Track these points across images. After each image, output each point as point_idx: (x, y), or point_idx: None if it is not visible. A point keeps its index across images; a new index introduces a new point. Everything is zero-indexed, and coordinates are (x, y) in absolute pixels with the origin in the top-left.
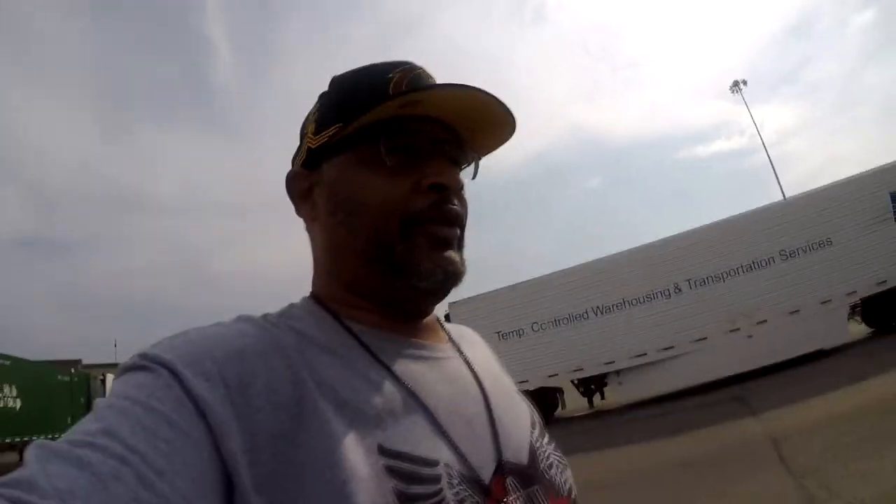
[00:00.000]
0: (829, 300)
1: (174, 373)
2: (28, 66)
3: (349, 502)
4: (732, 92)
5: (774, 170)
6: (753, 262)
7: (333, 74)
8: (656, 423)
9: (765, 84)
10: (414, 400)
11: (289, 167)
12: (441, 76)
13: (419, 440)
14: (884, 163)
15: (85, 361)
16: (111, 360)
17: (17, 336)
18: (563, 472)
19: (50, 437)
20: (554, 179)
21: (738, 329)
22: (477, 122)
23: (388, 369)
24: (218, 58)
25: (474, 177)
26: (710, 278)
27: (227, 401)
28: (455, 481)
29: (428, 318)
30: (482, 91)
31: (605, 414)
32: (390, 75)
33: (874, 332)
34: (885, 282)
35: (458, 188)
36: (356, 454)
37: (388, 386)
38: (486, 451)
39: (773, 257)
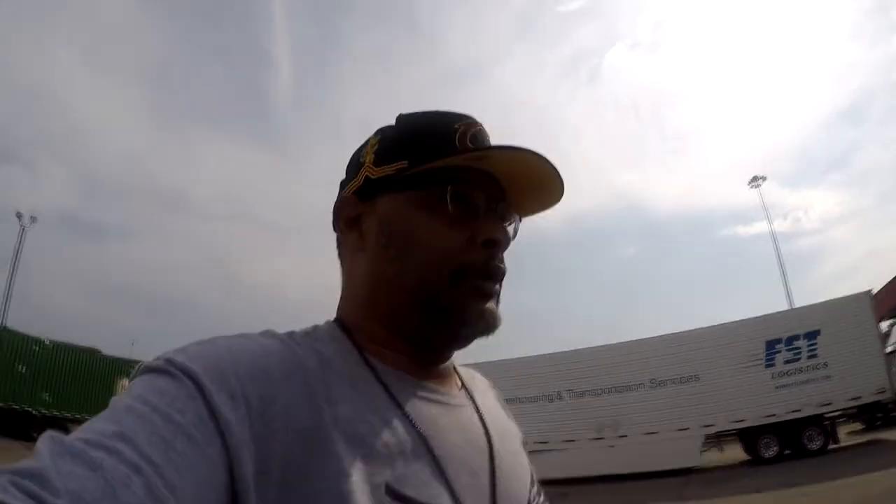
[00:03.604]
0: (687, 428)
1: (199, 385)
2: (93, 49)
3: None
4: (751, 187)
5: (784, 271)
6: (626, 385)
7: (400, 113)
8: None
9: (815, 168)
10: (424, 444)
11: (325, 195)
12: (492, 123)
13: (424, 485)
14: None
15: (103, 352)
16: (128, 356)
17: (37, 312)
18: None
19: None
20: (588, 243)
21: (602, 438)
22: (527, 184)
23: (403, 410)
24: (278, 75)
25: (514, 237)
26: (587, 392)
27: (246, 422)
28: None
29: (447, 363)
30: (543, 157)
31: None
32: (456, 126)
33: (749, 461)
34: (743, 420)
35: (508, 245)
36: (363, 492)
37: (401, 427)
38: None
39: (643, 383)
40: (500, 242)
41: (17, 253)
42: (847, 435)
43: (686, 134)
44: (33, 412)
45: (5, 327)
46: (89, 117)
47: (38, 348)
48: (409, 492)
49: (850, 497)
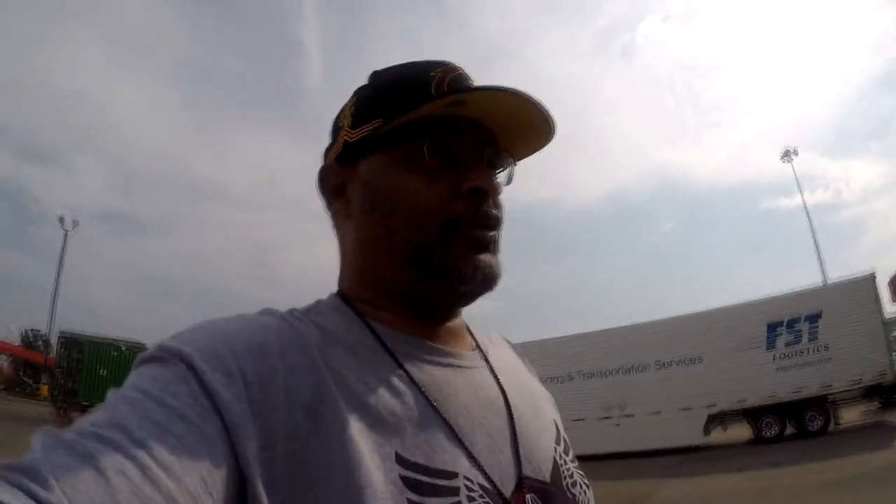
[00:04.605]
0: (690, 408)
1: (192, 366)
2: (124, 47)
3: None
4: (783, 161)
5: (817, 244)
6: (633, 367)
7: (374, 69)
8: None
9: (855, 138)
10: (434, 409)
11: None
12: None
13: (437, 451)
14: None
15: (148, 345)
16: None
17: (83, 311)
18: (585, 491)
19: None
20: (627, 219)
21: (609, 417)
22: (516, 126)
23: (410, 376)
24: (308, 63)
25: (509, 182)
26: (595, 373)
27: (244, 397)
28: (475, 494)
29: (456, 323)
30: (526, 95)
31: None
32: (432, 73)
33: (752, 440)
34: (745, 400)
35: (497, 193)
36: (372, 462)
37: (409, 393)
38: (507, 466)
39: (648, 365)
40: (486, 189)
41: (62, 257)
42: (861, 414)
43: (723, 106)
44: None
45: (89, 337)
46: (124, 116)
47: (115, 353)
48: (421, 459)
49: (816, 480)
